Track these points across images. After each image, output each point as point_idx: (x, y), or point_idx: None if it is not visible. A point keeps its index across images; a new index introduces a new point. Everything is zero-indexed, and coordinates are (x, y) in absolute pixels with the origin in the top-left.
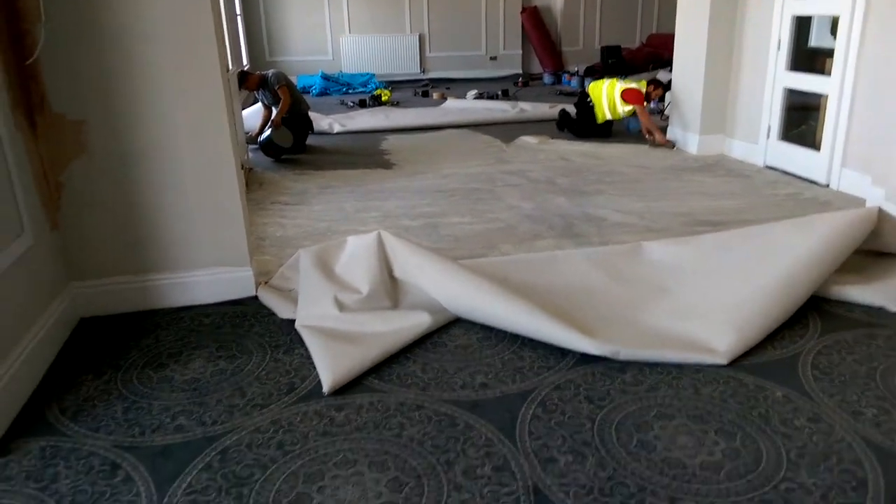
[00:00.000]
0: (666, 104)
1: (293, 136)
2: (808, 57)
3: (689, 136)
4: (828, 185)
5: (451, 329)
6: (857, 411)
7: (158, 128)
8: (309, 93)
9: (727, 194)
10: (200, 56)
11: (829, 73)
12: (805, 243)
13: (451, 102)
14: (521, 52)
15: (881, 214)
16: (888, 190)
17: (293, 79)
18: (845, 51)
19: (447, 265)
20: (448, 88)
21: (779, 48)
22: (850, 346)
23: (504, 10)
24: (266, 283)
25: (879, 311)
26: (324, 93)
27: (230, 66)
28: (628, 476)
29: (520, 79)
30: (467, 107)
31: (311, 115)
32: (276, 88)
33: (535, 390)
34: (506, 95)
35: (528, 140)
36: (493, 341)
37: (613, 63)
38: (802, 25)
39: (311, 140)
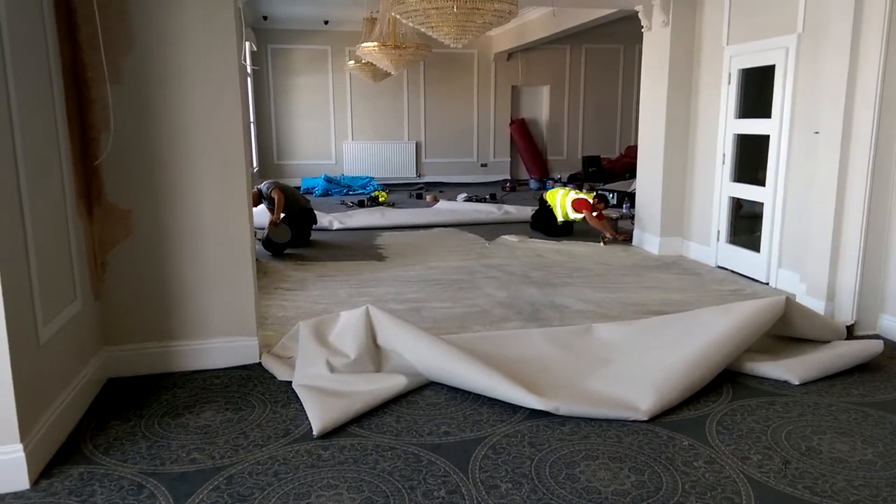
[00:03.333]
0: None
1: (293, 231)
2: (753, 169)
3: (651, 237)
4: (767, 283)
5: (425, 390)
6: (746, 457)
7: (190, 212)
8: (312, 194)
9: (678, 289)
10: (230, 149)
11: (764, 184)
12: (724, 324)
13: (443, 204)
14: (509, 159)
15: (788, 303)
16: (809, 285)
17: (297, 181)
18: (776, 165)
19: (423, 336)
20: (441, 191)
21: (723, 162)
22: (753, 409)
23: (494, 122)
24: (269, 351)
25: (784, 384)
26: (326, 194)
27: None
28: (553, 499)
29: (507, 184)
30: (457, 208)
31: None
32: (269, 193)
33: (489, 437)
34: (493, 199)
35: (509, 238)
36: (458, 400)
37: (594, 171)
38: (743, 142)
39: (312, 236)
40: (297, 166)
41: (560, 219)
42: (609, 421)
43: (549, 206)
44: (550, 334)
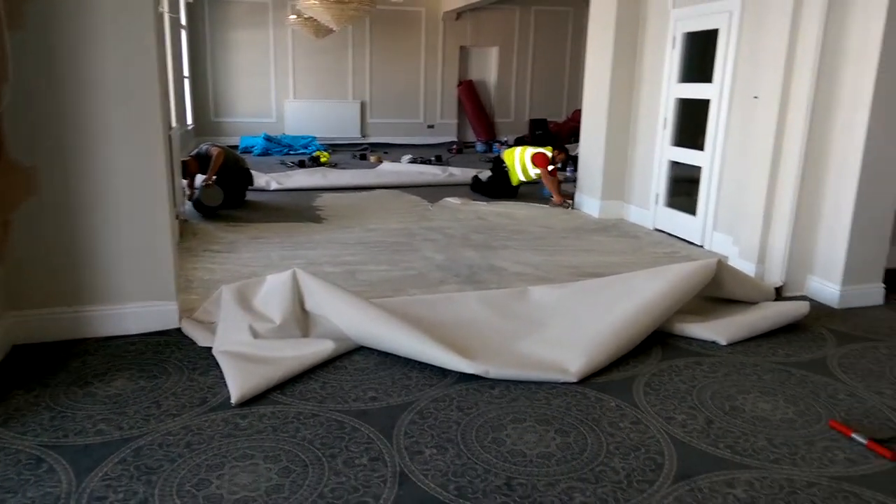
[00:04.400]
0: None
1: (226, 192)
2: (692, 134)
3: (592, 200)
4: (702, 246)
5: (354, 355)
6: (671, 417)
7: (101, 173)
8: (250, 153)
9: (616, 252)
10: (145, 105)
11: (703, 149)
12: (655, 287)
13: (387, 165)
14: (456, 121)
15: (719, 266)
16: (741, 248)
17: (235, 140)
18: (715, 130)
19: (352, 300)
20: (386, 153)
21: (664, 126)
22: (681, 370)
23: (442, 82)
24: (190, 316)
25: (712, 345)
26: (265, 153)
27: (174, 124)
28: (479, 463)
29: (454, 146)
30: (402, 170)
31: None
32: (208, 150)
33: (416, 402)
34: (439, 161)
35: (452, 201)
36: (388, 364)
37: (540, 134)
38: (685, 107)
39: (248, 196)
40: (235, 124)
41: (521, 177)
42: (539, 383)
43: (506, 166)
44: (485, 297)
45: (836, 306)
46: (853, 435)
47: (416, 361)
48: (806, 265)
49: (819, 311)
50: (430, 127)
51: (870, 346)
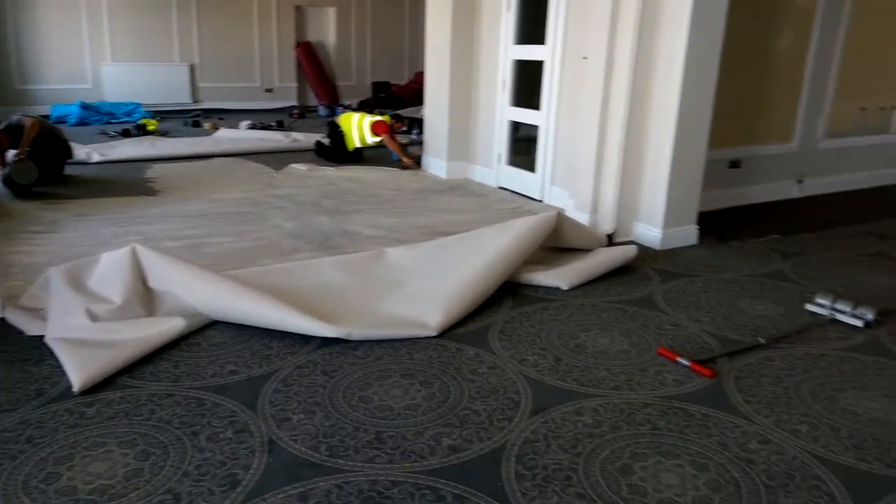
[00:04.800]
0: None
1: (42, 168)
2: (530, 94)
3: (439, 162)
4: (542, 201)
5: (207, 330)
6: (524, 359)
7: None
8: (65, 123)
9: (464, 211)
10: None
11: (539, 109)
12: (504, 241)
13: (224, 132)
14: (296, 84)
15: (560, 217)
16: (577, 200)
17: (45, 109)
18: (549, 90)
19: (202, 273)
20: (221, 119)
21: (504, 87)
22: (530, 315)
23: (278, 44)
24: (14, 304)
25: (556, 290)
26: (82, 123)
27: None
28: (348, 422)
29: (295, 110)
30: (241, 136)
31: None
32: (20, 120)
33: (279, 371)
34: (280, 126)
35: (298, 167)
36: (245, 336)
37: (383, 97)
38: (522, 68)
39: (67, 170)
40: (44, 92)
41: (357, 144)
42: (401, 341)
43: (342, 131)
44: (341, 262)
45: (658, 248)
46: (678, 359)
47: (275, 331)
48: (632, 212)
49: (645, 253)
50: (269, 91)
51: (688, 282)
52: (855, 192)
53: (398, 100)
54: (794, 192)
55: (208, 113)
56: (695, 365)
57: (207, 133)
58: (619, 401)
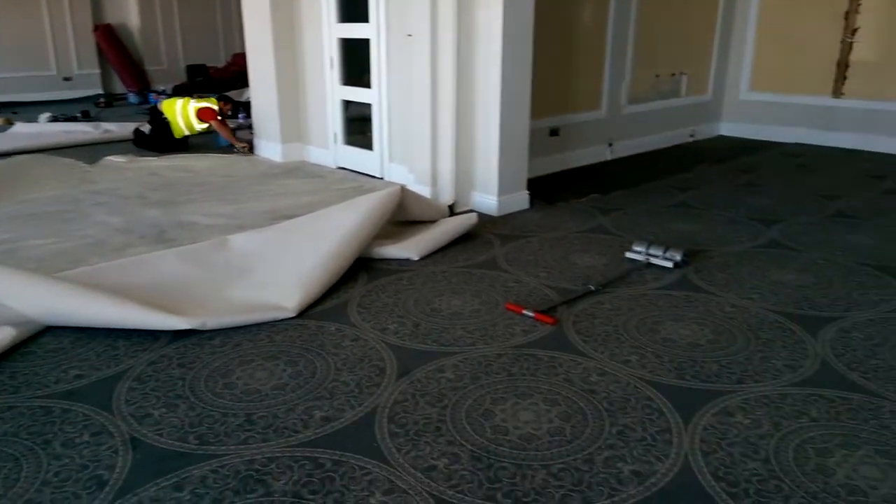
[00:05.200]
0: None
1: None
2: (360, 72)
3: (272, 145)
4: (382, 178)
5: (41, 337)
6: (384, 328)
7: None
8: None
9: (305, 192)
10: None
11: (370, 86)
12: (352, 219)
13: (21, 127)
14: (99, 71)
15: (403, 192)
16: (416, 175)
17: None
18: (378, 67)
19: (29, 277)
20: (15, 112)
21: (332, 66)
22: (385, 287)
23: (73, 28)
24: None
25: (407, 261)
26: None
27: None
28: (215, 409)
29: (101, 99)
30: (42, 130)
31: None
32: None
33: (131, 369)
34: (87, 117)
35: (115, 159)
36: (86, 339)
37: (201, 81)
38: (348, 46)
39: None
40: None
41: (185, 132)
42: (259, 325)
43: (166, 118)
44: (184, 253)
45: (496, 214)
46: (524, 311)
47: (119, 331)
48: (470, 183)
49: (484, 219)
50: (68, 80)
51: (525, 242)
52: (656, 152)
53: (218, 83)
54: (607, 154)
55: None
56: (538, 315)
57: (2, 129)
58: (476, 355)
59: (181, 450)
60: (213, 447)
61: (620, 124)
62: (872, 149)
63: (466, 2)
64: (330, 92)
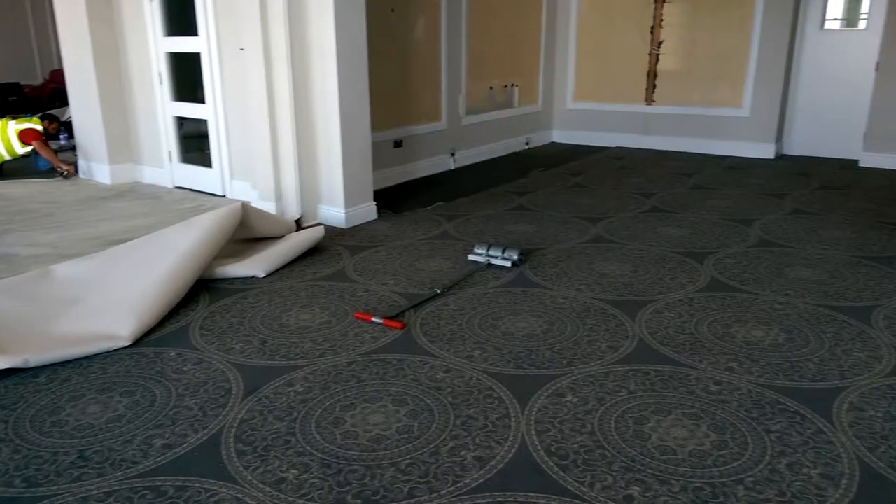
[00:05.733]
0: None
1: None
2: (193, 88)
3: (99, 166)
4: (224, 195)
5: None
6: (229, 348)
7: None
8: None
9: (139, 215)
10: None
11: (204, 102)
12: (189, 239)
13: None
14: None
15: (244, 208)
16: (260, 191)
17: None
18: (211, 82)
19: None
20: None
21: (161, 82)
22: (230, 307)
23: None
24: None
25: (253, 279)
26: None
27: None
28: (43, 449)
29: None
30: None
31: None
32: None
33: None
34: None
35: None
36: None
37: (15, 101)
38: (178, 61)
39: None
40: None
41: (7, 157)
42: (90, 358)
43: None
44: (3, 287)
45: (344, 226)
46: (373, 319)
47: None
48: (316, 196)
49: (333, 232)
50: None
51: (373, 252)
52: (496, 159)
53: (35, 102)
54: (451, 164)
55: None
56: (387, 321)
57: None
58: (325, 365)
59: (7, 495)
60: (42, 488)
61: (461, 134)
62: (681, 149)
63: (298, 17)
64: (161, 108)
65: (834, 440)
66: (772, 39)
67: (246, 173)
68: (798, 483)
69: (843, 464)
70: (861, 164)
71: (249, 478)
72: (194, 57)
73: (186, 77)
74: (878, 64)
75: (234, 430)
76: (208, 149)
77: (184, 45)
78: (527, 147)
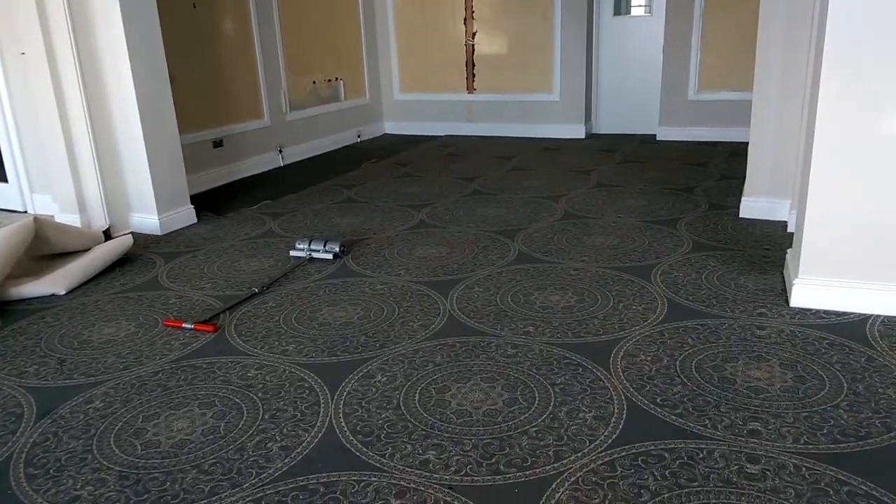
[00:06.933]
0: None
1: None
2: None
3: None
4: (26, 211)
5: None
6: (24, 371)
7: None
8: None
9: None
10: None
11: None
12: None
13: None
14: None
15: (37, 222)
16: (61, 203)
17: None
18: None
19: None
20: None
21: None
22: (25, 329)
23: None
24: None
25: (52, 297)
26: None
27: None
28: None
29: None
30: None
31: None
32: None
33: None
34: None
35: None
36: None
37: None
38: None
39: None
40: None
41: None
42: None
43: None
44: None
45: (160, 233)
46: (184, 325)
47: None
48: (125, 204)
49: (147, 240)
50: None
51: (190, 257)
52: (327, 154)
53: None
54: (279, 161)
55: None
56: (198, 326)
57: None
58: (129, 378)
59: None
60: None
61: (287, 131)
62: (503, 134)
63: (82, 16)
64: None
65: (608, 385)
66: (571, 27)
67: (46, 185)
68: (574, 427)
69: (614, 405)
70: (658, 137)
71: (40, 500)
72: None
73: None
74: (664, 46)
75: (24, 455)
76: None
77: None
78: (359, 140)
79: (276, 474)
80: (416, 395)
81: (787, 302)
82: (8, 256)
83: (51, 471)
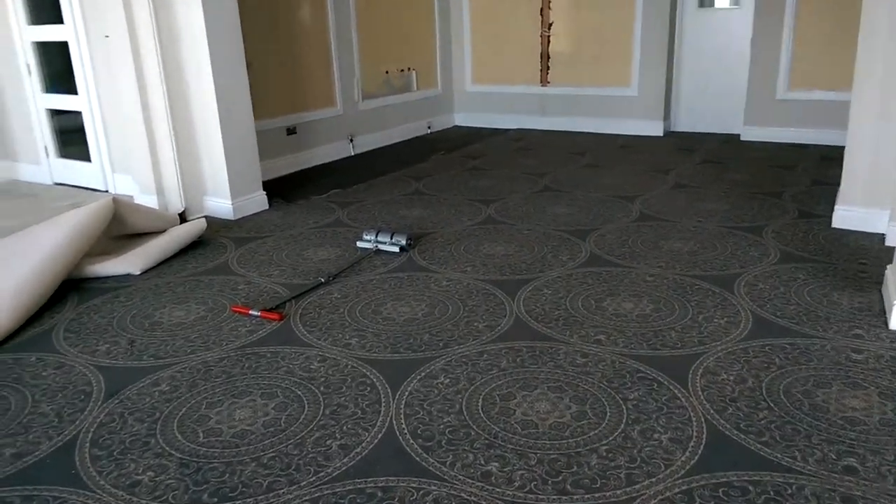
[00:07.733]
0: None
1: None
2: (62, 78)
3: None
4: (107, 191)
5: None
6: (95, 350)
7: None
8: None
9: (13, 216)
10: None
11: (77, 93)
12: (56, 236)
13: None
14: None
15: (116, 203)
16: (140, 185)
17: None
18: (82, 72)
19: None
20: None
21: (30, 73)
22: (99, 307)
23: None
24: None
25: (127, 277)
26: None
27: None
28: None
29: None
30: None
31: None
32: None
33: None
34: None
35: None
36: None
37: None
38: (47, 50)
39: None
40: None
41: None
42: None
43: None
44: None
45: (232, 218)
46: (251, 312)
47: None
48: (200, 188)
49: (219, 224)
50: None
51: (260, 243)
52: (397, 144)
53: None
54: (350, 150)
55: None
56: (264, 313)
57: None
58: (195, 363)
59: None
60: None
61: (359, 120)
62: (577, 129)
63: (164, 4)
64: (32, 101)
65: (686, 405)
66: (653, 20)
67: (126, 166)
68: (648, 448)
69: (692, 427)
70: (742, 137)
71: (102, 483)
72: (62, 45)
73: (56, 67)
74: (752, 41)
75: (90, 435)
76: (86, 142)
77: (50, 33)
78: (429, 131)
79: (335, 474)
80: (480, 400)
81: (886, 324)
82: (87, 235)
83: (115, 453)
